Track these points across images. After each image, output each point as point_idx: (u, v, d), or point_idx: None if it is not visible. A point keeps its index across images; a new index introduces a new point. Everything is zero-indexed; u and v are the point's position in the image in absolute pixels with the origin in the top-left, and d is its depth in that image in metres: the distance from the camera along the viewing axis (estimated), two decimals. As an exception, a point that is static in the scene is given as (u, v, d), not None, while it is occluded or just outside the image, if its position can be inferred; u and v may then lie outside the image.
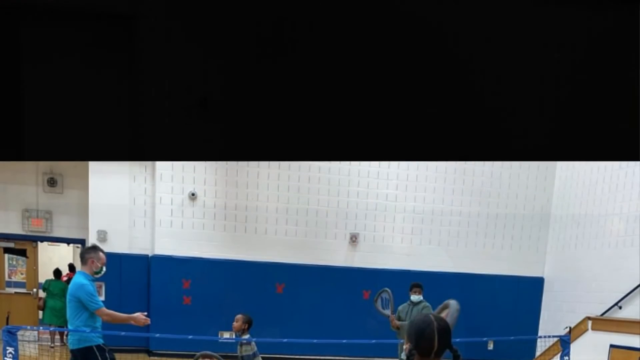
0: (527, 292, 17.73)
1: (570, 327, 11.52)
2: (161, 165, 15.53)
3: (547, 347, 15.81)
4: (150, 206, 15.88)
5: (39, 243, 17.53)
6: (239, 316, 8.81)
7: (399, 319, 10.62)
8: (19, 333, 7.34)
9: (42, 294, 17.07)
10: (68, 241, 17.67)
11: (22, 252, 17.30)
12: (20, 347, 7.27)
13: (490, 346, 17.30)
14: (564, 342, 9.23)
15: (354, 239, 16.72)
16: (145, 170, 15.88)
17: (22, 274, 17.52)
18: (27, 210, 16.35)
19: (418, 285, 10.81)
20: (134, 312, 8.11)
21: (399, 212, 16.98)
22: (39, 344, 16.75)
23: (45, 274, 17.98)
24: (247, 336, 8.68)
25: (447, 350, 3.12)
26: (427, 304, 10.54)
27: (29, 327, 12.45)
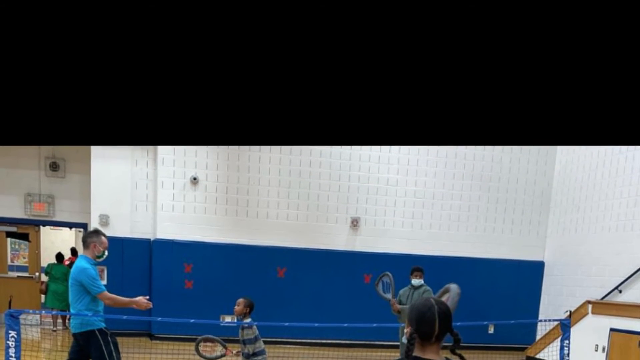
0: (528, 276, 17.77)
1: (570, 311, 11.57)
2: (163, 150, 15.56)
3: (547, 331, 15.88)
4: (152, 190, 15.91)
5: (41, 227, 17.55)
6: (240, 300, 8.80)
7: (400, 302, 10.64)
8: (22, 317, 7.36)
9: (44, 277, 17.10)
10: (70, 225, 17.70)
11: (24, 236, 17.33)
12: (22, 331, 7.30)
13: (491, 330, 17.37)
14: (564, 326, 9.26)
15: (355, 223, 16.75)
16: (147, 155, 15.90)
17: (24, 258, 17.56)
18: (29, 195, 16.38)
19: (419, 269, 10.82)
20: (135, 296, 8.13)
21: (400, 196, 17.01)
22: (41, 328, 16.81)
23: (47, 258, 18.02)
24: (248, 320, 8.67)
25: (448, 334, 3.15)
26: (428, 287, 10.57)
27: (31, 311, 12.50)
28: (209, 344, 9.51)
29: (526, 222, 17.85)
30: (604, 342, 14.23)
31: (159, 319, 10.59)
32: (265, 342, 8.81)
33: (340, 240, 16.79)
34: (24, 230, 17.18)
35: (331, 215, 16.67)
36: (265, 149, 15.97)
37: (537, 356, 16.14)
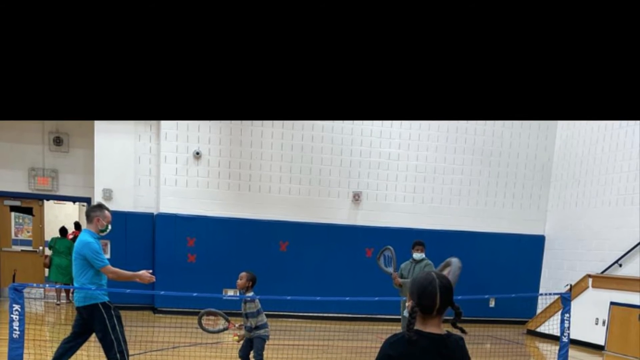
0: (528, 250, 17.84)
1: (570, 285, 11.63)
2: (166, 125, 15.58)
3: (547, 305, 15.96)
4: (155, 165, 15.95)
5: (45, 201, 17.58)
6: (243, 274, 8.80)
7: (402, 276, 10.66)
8: (25, 290, 7.37)
9: (48, 251, 17.13)
10: (74, 199, 17.76)
11: (28, 211, 17.35)
12: (26, 305, 7.33)
13: (492, 303, 17.45)
14: (565, 300, 9.31)
15: (356, 197, 16.79)
16: (150, 130, 15.93)
17: (28, 232, 17.59)
18: (33, 169, 16.43)
19: (420, 243, 10.83)
20: (139, 270, 8.15)
21: (402, 171, 17.04)
22: (45, 302, 16.89)
23: (51, 232, 18.06)
24: (251, 294, 8.68)
25: (449, 308, 3.18)
26: (429, 261, 10.59)
27: (35, 285, 12.54)
28: (211, 317, 9.56)
29: (527, 196, 17.90)
30: (604, 315, 14.33)
31: (162, 292, 10.60)
32: (267, 316, 8.84)
33: (342, 214, 16.84)
34: (28, 204, 17.21)
35: (333, 189, 16.72)
36: (267, 123, 15.98)
37: (538, 329, 16.24)
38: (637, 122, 14.57)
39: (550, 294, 13.77)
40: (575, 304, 11.61)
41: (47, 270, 17.01)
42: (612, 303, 14.16)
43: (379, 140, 16.81)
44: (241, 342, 8.89)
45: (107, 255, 13.43)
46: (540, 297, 17.12)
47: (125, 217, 15.54)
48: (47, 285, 16.58)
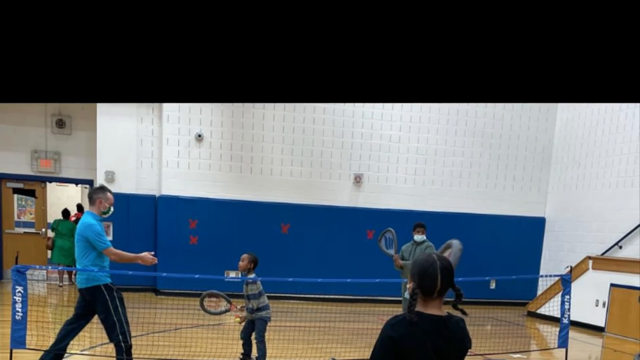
0: (529, 232, 17.88)
1: (571, 267, 11.67)
2: (168, 107, 15.59)
3: (548, 286, 16.01)
4: (157, 147, 15.98)
5: (47, 183, 17.62)
6: (244, 255, 8.83)
7: (403, 258, 10.69)
8: (28, 272, 7.41)
9: (50, 233, 17.17)
10: (76, 182, 17.80)
11: (31, 193, 17.39)
12: (29, 286, 7.36)
13: (493, 285, 17.50)
14: (565, 282, 9.35)
15: (358, 179, 16.82)
16: (153, 112, 15.96)
17: (31, 214, 17.63)
18: (36, 152, 16.47)
19: (421, 225, 10.85)
20: (141, 252, 8.17)
21: (403, 153, 17.06)
22: (47, 283, 16.96)
23: (53, 214, 18.11)
24: (252, 275, 8.71)
25: (450, 289, 3.20)
26: (430, 243, 10.62)
27: (37, 267, 12.57)
28: (213, 299, 9.60)
29: (527, 179, 17.92)
30: (604, 297, 14.39)
31: (164, 274, 10.67)
32: (269, 297, 8.88)
33: (343, 196, 16.87)
34: (31, 186, 17.24)
35: (334, 171, 16.74)
36: (269, 106, 15.99)
37: (538, 311, 16.30)
38: (637, 104, 14.58)
39: (550, 276, 13.81)
40: (575, 286, 11.67)
41: (49, 252, 17.06)
42: (612, 285, 14.21)
43: (380, 122, 16.82)
44: (243, 323, 8.94)
45: (110, 237, 13.48)
46: (540, 279, 17.17)
47: (128, 199, 15.58)
48: (49, 267, 16.63)
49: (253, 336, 8.81)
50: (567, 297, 9.17)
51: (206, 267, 14.47)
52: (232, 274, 14.54)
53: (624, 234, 14.85)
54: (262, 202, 16.22)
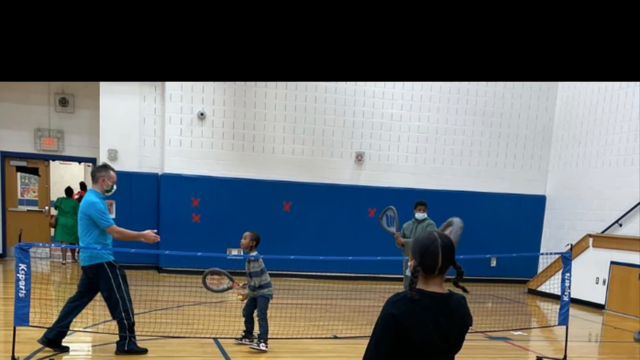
0: (529, 210, 17.92)
1: (571, 245, 11.67)
2: (171, 86, 15.60)
3: (548, 264, 16.08)
4: (160, 126, 16.00)
5: (50, 162, 17.64)
6: (246, 233, 8.85)
7: (404, 236, 10.73)
8: (31, 250, 7.41)
9: (53, 211, 17.20)
10: (79, 160, 17.82)
11: (34, 171, 17.41)
12: (32, 264, 7.38)
13: (493, 263, 17.56)
14: (566, 259, 9.37)
15: (359, 157, 16.84)
16: (155, 91, 15.97)
17: (34, 192, 17.66)
18: (39, 130, 16.49)
19: (422, 203, 10.87)
20: (144, 230, 8.22)
21: (404, 132, 17.08)
22: (50, 261, 16.99)
23: (57, 192, 18.14)
24: (254, 253, 8.72)
25: (451, 267, 3.23)
26: (431, 221, 10.65)
27: (41, 244, 12.61)
28: (215, 276, 9.63)
29: (528, 157, 17.95)
30: (604, 274, 14.45)
31: (167, 252, 10.71)
32: (271, 275, 8.91)
33: (345, 174, 16.90)
34: (34, 164, 17.26)
35: (336, 150, 16.76)
36: (271, 84, 16.00)
37: (539, 289, 16.37)
38: (638, 83, 14.57)
39: (551, 254, 13.87)
40: (575, 264, 11.69)
41: (52, 230, 17.11)
42: (612, 262, 14.27)
43: (381, 101, 16.83)
44: (245, 301, 8.99)
45: (112, 215, 13.52)
46: (541, 257, 17.23)
47: (130, 177, 15.62)
48: (52, 244, 16.68)
49: (255, 313, 8.86)
50: (568, 274, 9.18)
51: (208, 245, 14.52)
52: (234, 252, 14.61)
53: (624, 212, 14.89)
54: (264, 180, 16.25)
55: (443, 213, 10.74)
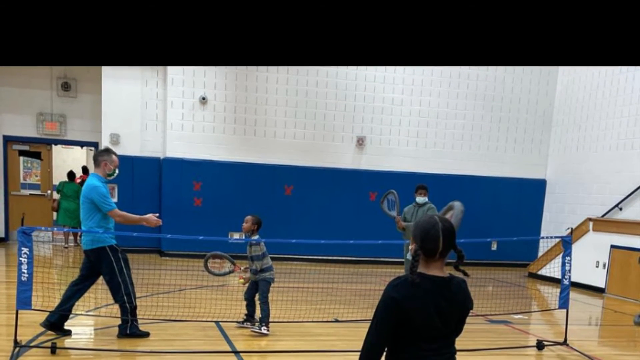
0: (530, 194, 17.94)
1: (571, 228, 11.69)
2: (172, 70, 15.61)
3: (549, 248, 16.12)
4: (162, 110, 16.02)
5: (53, 146, 17.65)
6: (248, 217, 8.85)
7: (405, 220, 10.74)
8: (34, 234, 7.42)
9: (56, 195, 17.22)
10: (81, 144, 17.83)
11: (36, 155, 17.42)
12: (34, 248, 7.39)
13: (494, 247, 17.60)
14: (566, 243, 9.38)
15: (360, 141, 16.85)
16: (157, 75, 15.99)
17: (36, 176, 17.67)
18: (41, 114, 16.52)
19: (423, 187, 10.87)
20: (146, 214, 8.23)
21: (405, 116, 17.08)
22: (53, 245, 17.04)
23: (59, 176, 18.16)
24: (256, 237, 8.73)
25: (452, 251, 3.26)
26: (432, 205, 10.66)
27: (43, 228, 12.59)
28: (217, 260, 9.65)
29: (528, 141, 17.96)
30: (604, 258, 14.49)
31: (169, 236, 10.76)
32: (272, 259, 8.91)
33: (346, 158, 16.91)
34: (36, 148, 17.27)
35: (337, 134, 16.77)
36: (272, 69, 15.99)
37: (539, 272, 16.41)
38: (638, 67, 14.55)
39: (551, 237, 13.89)
40: (576, 247, 11.71)
41: (55, 213, 17.13)
42: (612, 246, 14.30)
43: (382, 85, 16.83)
44: (246, 284, 9.01)
45: (115, 199, 13.55)
46: (541, 241, 17.26)
47: (132, 161, 15.64)
48: (55, 228, 16.71)
49: (257, 297, 8.89)
50: (568, 258, 9.20)
51: (210, 229, 14.55)
52: (236, 236, 14.63)
53: (624, 196, 14.91)
54: (266, 164, 16.27)
55: (444, 197, 10.79)
